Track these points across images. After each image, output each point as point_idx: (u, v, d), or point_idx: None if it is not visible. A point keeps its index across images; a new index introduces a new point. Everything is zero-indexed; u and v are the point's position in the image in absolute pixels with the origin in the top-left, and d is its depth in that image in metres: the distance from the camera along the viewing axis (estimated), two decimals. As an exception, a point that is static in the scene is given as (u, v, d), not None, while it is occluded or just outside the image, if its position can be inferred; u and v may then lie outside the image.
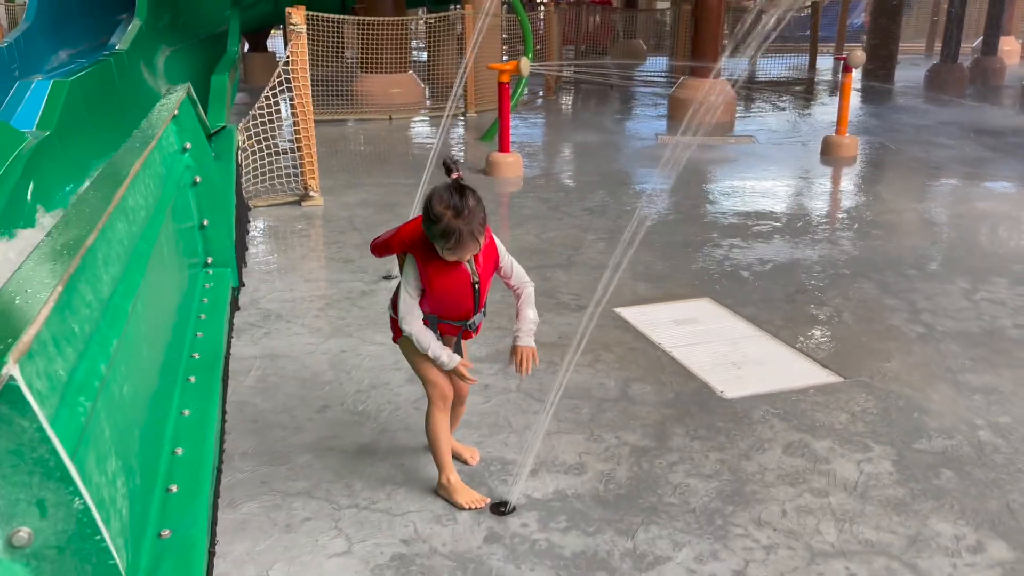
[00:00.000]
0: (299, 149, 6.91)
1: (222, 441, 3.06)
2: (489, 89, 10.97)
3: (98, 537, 1.24)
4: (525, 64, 8.37)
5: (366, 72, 12.94)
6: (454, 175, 2.56)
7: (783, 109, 13.43)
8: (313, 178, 6.99)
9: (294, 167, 7.17)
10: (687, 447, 3.20)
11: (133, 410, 2.03)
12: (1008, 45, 20.17)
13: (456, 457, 3.01)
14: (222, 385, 3.02)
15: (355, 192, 7.46)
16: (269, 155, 7.09)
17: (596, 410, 3.49)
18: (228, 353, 3.62)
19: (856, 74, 15.29)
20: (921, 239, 6.08)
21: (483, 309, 2.77)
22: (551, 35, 15.04)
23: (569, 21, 18.89)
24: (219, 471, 2.84)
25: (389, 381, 3.73)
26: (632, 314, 4.54)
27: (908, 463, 3.10)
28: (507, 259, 2.76)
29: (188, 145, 3.85)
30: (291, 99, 6.88)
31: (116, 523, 1.59)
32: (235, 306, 4.40)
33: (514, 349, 2.75)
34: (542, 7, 17.04)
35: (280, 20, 10.76)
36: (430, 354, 2.69)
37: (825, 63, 19.29)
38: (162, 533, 1.99)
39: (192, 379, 2.81)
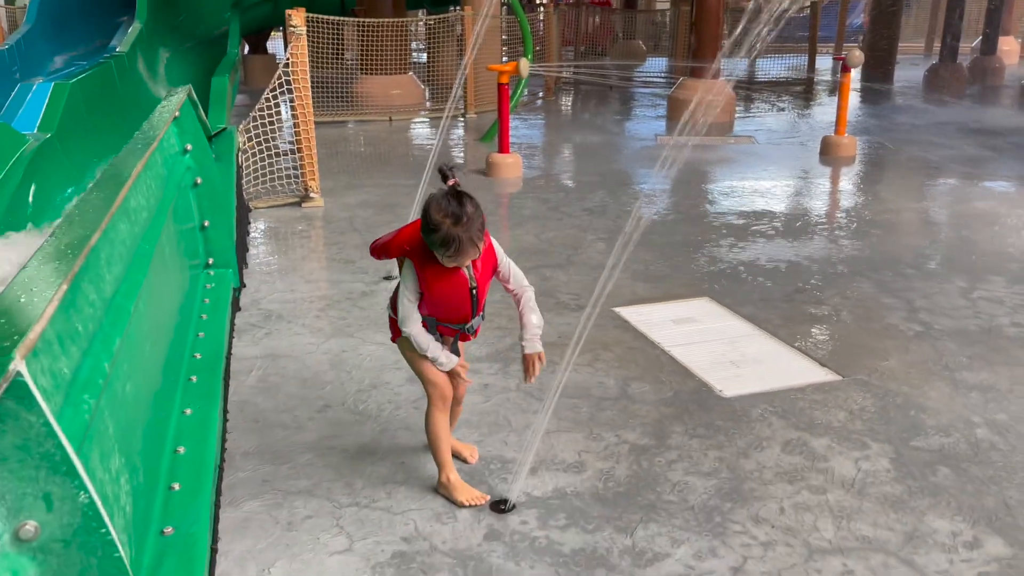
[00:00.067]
0: (299, 150, 6.93)
1: (224, 440, 3.08)
2: (489, 90, 10.99)
3: (103, 530, 1.26)
4: (524, 65, 8.39)
5: (366, 74, 12.97)
6: (450, 181, 2.56)
7: (782, 109, 13.45)
8: (313, 179, 7.02)
9: (294, 168, 7.19)
10: (686, 445, 3.22)
11: (136, 408, 2.05)
12: (1007, 45, 20.19)
13: (455, 456, 3.03)
14: (223, 385, 3.05)
15: (355, 193, 7.49)
16: (269, 156, 7.11)
17: (595, 409, 3.51)
18: (229, 353, 3.64)
19: (855, 74, 15.35)
20: (919, 238, 6.10)
21: (481, 313, 2.79)
22: (550, 36, 15.06)
23: (568, 22, 18.91)
24: (221, 469, 2.86)
25: (389, 381, 3.75)
26: (631, 314, 4.56)
27: (905, 460, 3.12)
28: (505, 263, 2.77)
29: (189, 147, 3.87)
30: (291, 101, 6.90)
31: (120, 519, 1.61)
32: (236, 307, 4.42)
33: (522, 357, 2.77)
34: (541, 8, 17.06)
35: (280, 22, 10.79)
36: (428, 355, 2.72)
37: (824, 63, 19.31)
38: (165, 530, 2.01)
39: (194, 379, 2.83)
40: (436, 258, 2.57)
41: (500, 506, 2.82)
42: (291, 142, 7.38)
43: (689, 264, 5.47)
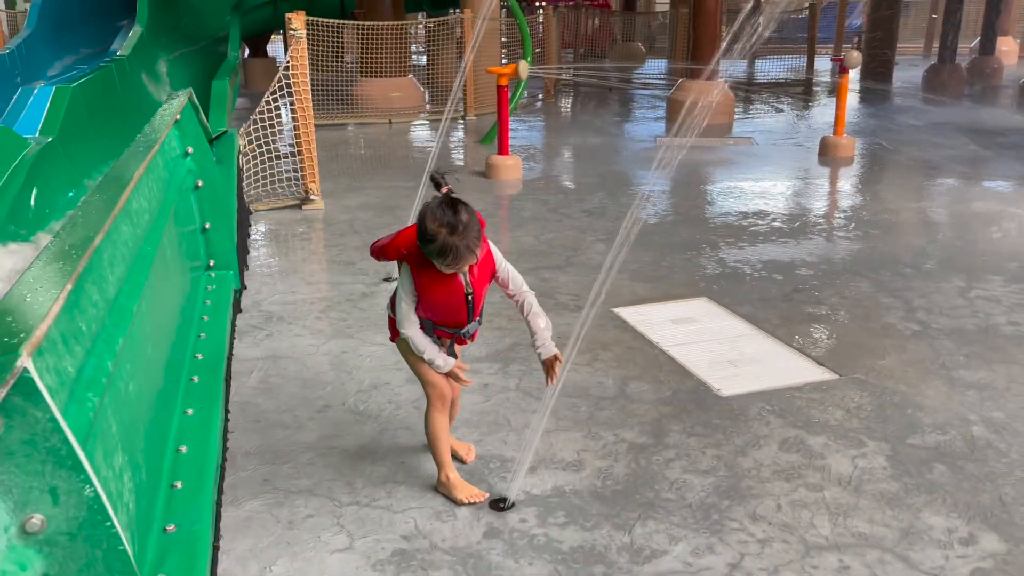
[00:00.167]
0: (300, 153, 6.96)
1: (225, 440, 3.10)
2: (488, 92, 11.02)
3: (108, 523, 1.29)
4: (524, 67, 8.43)
5: (366, 76, 13.01)
6: (444, 188, 2.55)
7: (781, 110, 13.48)
8: (314, 182, 7.05)
9: (295, 171, 7.22)
10: (684, 444, 3.25)
11: (138, 407, 2.07)
12: (1006, 45, 20.22)
13: (453, 455, 3.05)
14: (225, 385, 3.07)
15: (356, 195, 7.52)
16: (270, 159, 7.14)
17: (594, 408, 3.53)
18: (231, 354, 3.67)
19: (854, 75, 15.37)
20: (917, 238, 6.12)
21: (478, 318, 2.79)
22: (550, 38, 15.10)
23: (568, 24, 18.95)
24: (222, 469, 2.89)
25: (389, 381, 3.78)
26: (630, 314, 4.59)
27: (902, 458, 3.14)
28: (504, 267, 2.76)
29: (190, 150, 3.90)
30: (291, 104, 6.93)
31: (123, 516, 1.63)
32: (237, 308, 4.45)
33: (541, 363, 2.78)
34: (541, 10, 17.10)
35: (280, 25, 10.82)
36: (425, 357, 2.73)
37: (823, 64, 19.35)
38: (167, 528, 2.04)
39: (195, 379, 2.86)
40: (432, 263, 2.58)
41: (499, 504, 2.84)
42: (291, 145, 7.41)
43: (688, 264, 5.50)
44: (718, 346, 4.18)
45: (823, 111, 13.03)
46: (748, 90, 16.00)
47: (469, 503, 2.83)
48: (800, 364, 3.98)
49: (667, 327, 4.42)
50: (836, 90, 9.63)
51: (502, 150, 8.27)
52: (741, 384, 3.74)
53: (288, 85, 6.84)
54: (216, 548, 2.42)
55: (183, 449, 2.40)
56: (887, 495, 2.90)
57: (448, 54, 14.22)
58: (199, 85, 8.01)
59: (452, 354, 2.85)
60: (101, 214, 2.07)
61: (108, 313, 1.88)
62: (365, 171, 8.89)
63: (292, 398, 3.64)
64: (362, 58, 12.97)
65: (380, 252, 2.78)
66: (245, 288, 4.88)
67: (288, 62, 6.76)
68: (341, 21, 12.09)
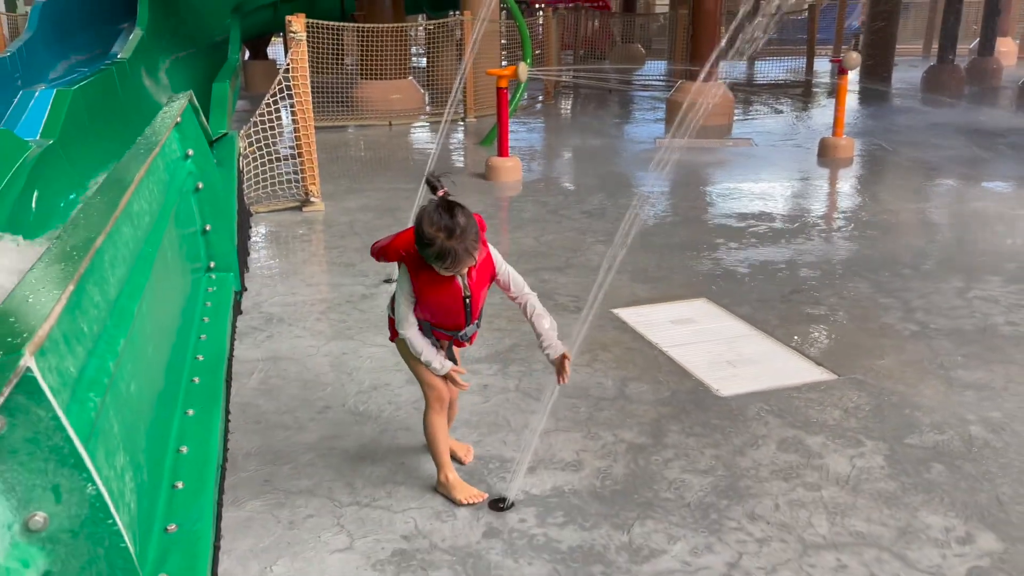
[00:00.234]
0: (300, 155, 6.98)
1: (226, 441, 3.11)
2: (488, 94, 11.04)
3: (110, 521, 1.30)
4: (523, 69, 8.45)
5: (366, 78, 13.03)
6: (440, 192, 2.54)
7: (781, 112, 13.50)
8: (314, 184, 7.06)
9: (295, 173, 7.24)
10: (682, 444, 3.26)
11: (140, 408, 2.09)
12: (1005, 46, 20.24)
13: (452, 456, 3.06)
14: (225, 386, 3.08)
15: (356, 197, 7.53)
16: (270, 161, 7.16)
17: (594, 409, 3.55)
18: (231, 355, 3.68)
19: (853, 76, 15.39)
20: (916, 239, 6.13)
21: (476, 321, 2.79)
22: (549, 40, 15.12)
23: (567, 26, 18.97)
24: (223, 469, 2.90)
25: (389, 382, 3.79)
26: (630, 315, 4.60)
27: (900, 457, 3.15)
28: (504, 269, 2.76)
29: (191, 152, 3.91)
30: (292, 106, 6.95)
31: (125, 515, 1.65)
32: (238, 310, 4.46)
33: (551, 364, 2.78)
34: (540, 12, 17.12)
35: (280, 28, 10.83)
36: (422, 359, 2.74)
37: (823, 66, 19.37)
38: (168, 528, 2.05)
39: (196, 380, 2.87)
40: (430, 265, 2.58)
41: (499, 504, 2.85)
42: (292, 147, 7.43)
43: (687, 265, 5.51)
44: (717, 347, 4.19)
45: (822, 112, 13.05)
46: (748, 91, 16.02)
47: (468, 504, 2.85)
48: (799, 364, 3.99)
49: (666, 328, 4.43)
50: (835, 91, 9.65)
51: (502, 152, 8.28)
52: (740, 384, 3.76)
53: (288, 87, 6.86)
54: (217, 548, 2.43)
55: (184, 450, 2.41)
56: (885, 494, 2.92)
57: (448, 56, 14.25)
58: (199, 87, 8.03)
59: (451, 356, 2.86)
60: (102, 216, 2.08)
61: (109, 314, 1.90)
62: (365, 173, 8.91)
63: (292, 399, 3.65)
64: (362, 60, 12.99)
65: (380, 253, 2.80)
66: (246, 290, 4.89)
67: (288, 64, 6.78)
68: (341, 23, 12.11)
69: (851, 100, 13.51)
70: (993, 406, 3.55)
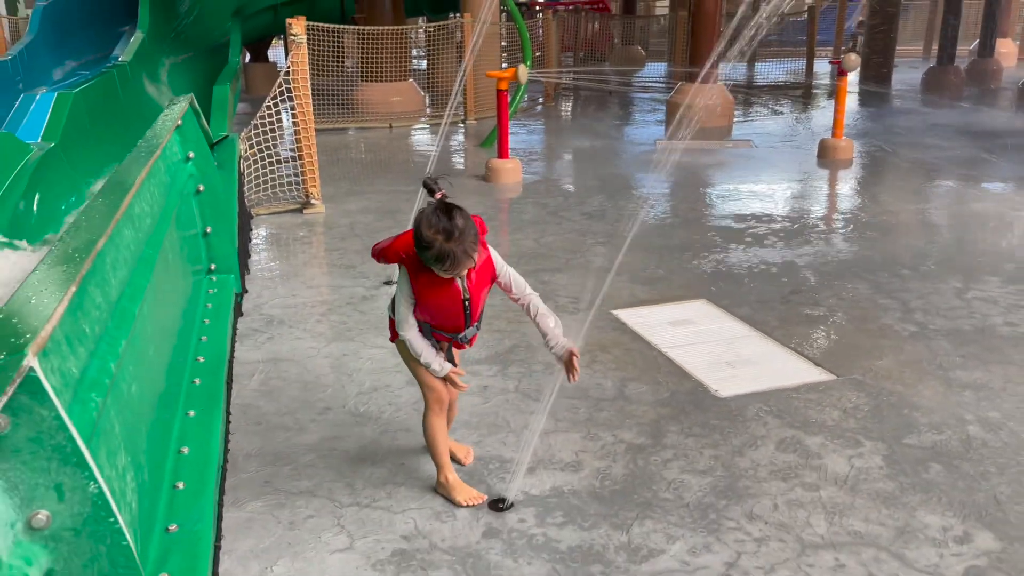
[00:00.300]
0: (300, 158, 7.00)
1: (226, 442, 3.13)
2: (488, 96, 11.06)
3: (112, 520, 1.32)
4: (523, 71, 8.46)
5: (366, 81, 13.05)
6: (438, 194, 2.54)
7: (781, 113, 13.52)
8: (314, 186, 7.08)
9: (295, 175, 7.26)
10: (681, 444, 3.27)
11: (141, 409, 2.10)
12: (1005, 47, 20.27)
13: (451, 457, 3.07)
14: (226, 387, 3.10)
15: (356, 199, 7.55)
16: (271, 164, 7.18)
17: (593, 409, 3.56)
18: (232, 357, 3.70)
19: (853, 77, 15.41)
20: (915, 240, 6.15)
21: (476, 323, 2.79)
22: (549, 42, 15.14)
23: (567, 28, 19.00)
24: (224, 470, 2.91)
25: (390, 383, 3.80)
26: (629, 316, 4.61)
27: (898, 457, 3.16)
28: (505, 271, 2.76)
29: (191, 154, 3.93)
30: (292, 108, 6.97)
31: (126, 515, 1.66)
32: (238, 312, 4.48)
33: (559, 362, 2.78)
34: (540, 14, 17.15)
35: (281, 30, 10.85)
36: (422, 361, 2.74)
37: (823, 67, 19.39)
38: (169, 528, 2.06)
39: (197, 381, 2.88)
40: (429, 267, 2.59)
41: (498, 504, 2.86)
42: (292, 149, 7.45)
43: (687, 266, 5.52)
44: (716, 347, 4.20)
45: (822, 114, 13.06)
46: (748, 93, 16.04)
47: (468, 505, 2.86)
48: (798, 365, 4.01)
49: (666, 329, 4.44)
50: (835, 93, 9.67)
51: (502, 154, 8.30)
52: (739, 385, 3.77)
53: (289, 90, 6.88)
54: (218, 548, 2.45)
55: (185, 450, 2.43)
56: (883, 494, 2.93)
57: (448, 58, 14.27)
58: (200, 90, 8.06)
59: (450, 358, 2.87)
60: (104, 218, 2.10)
61: (111, 315, 1.91)
62: (366, 175, 8.93)
63: (293, 400, 3.66)
64: (362, 62, 13.02)
65: (380, 254, 2.81)
66: (246, 291, 4.91)
67: (289, 67, 6.80)
68: (341, 26, 12.13)
69: (851, 101, 13.53)
70: (991, 406, 3.56)
